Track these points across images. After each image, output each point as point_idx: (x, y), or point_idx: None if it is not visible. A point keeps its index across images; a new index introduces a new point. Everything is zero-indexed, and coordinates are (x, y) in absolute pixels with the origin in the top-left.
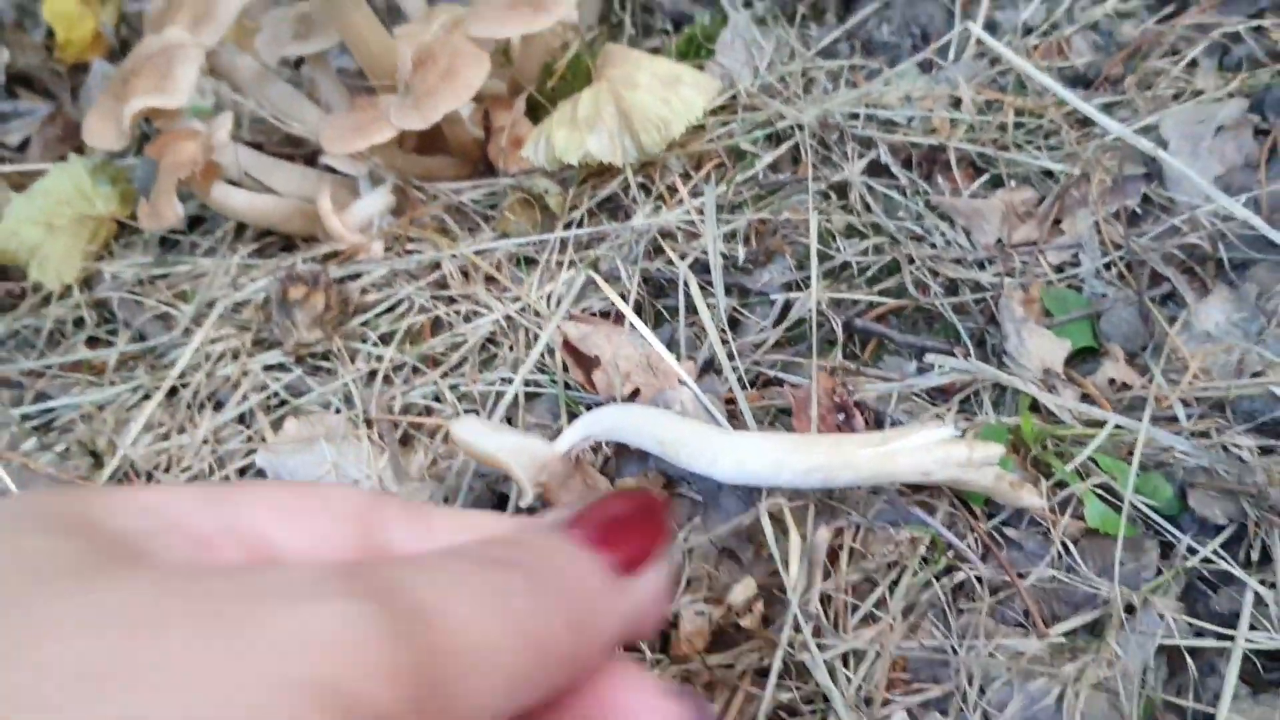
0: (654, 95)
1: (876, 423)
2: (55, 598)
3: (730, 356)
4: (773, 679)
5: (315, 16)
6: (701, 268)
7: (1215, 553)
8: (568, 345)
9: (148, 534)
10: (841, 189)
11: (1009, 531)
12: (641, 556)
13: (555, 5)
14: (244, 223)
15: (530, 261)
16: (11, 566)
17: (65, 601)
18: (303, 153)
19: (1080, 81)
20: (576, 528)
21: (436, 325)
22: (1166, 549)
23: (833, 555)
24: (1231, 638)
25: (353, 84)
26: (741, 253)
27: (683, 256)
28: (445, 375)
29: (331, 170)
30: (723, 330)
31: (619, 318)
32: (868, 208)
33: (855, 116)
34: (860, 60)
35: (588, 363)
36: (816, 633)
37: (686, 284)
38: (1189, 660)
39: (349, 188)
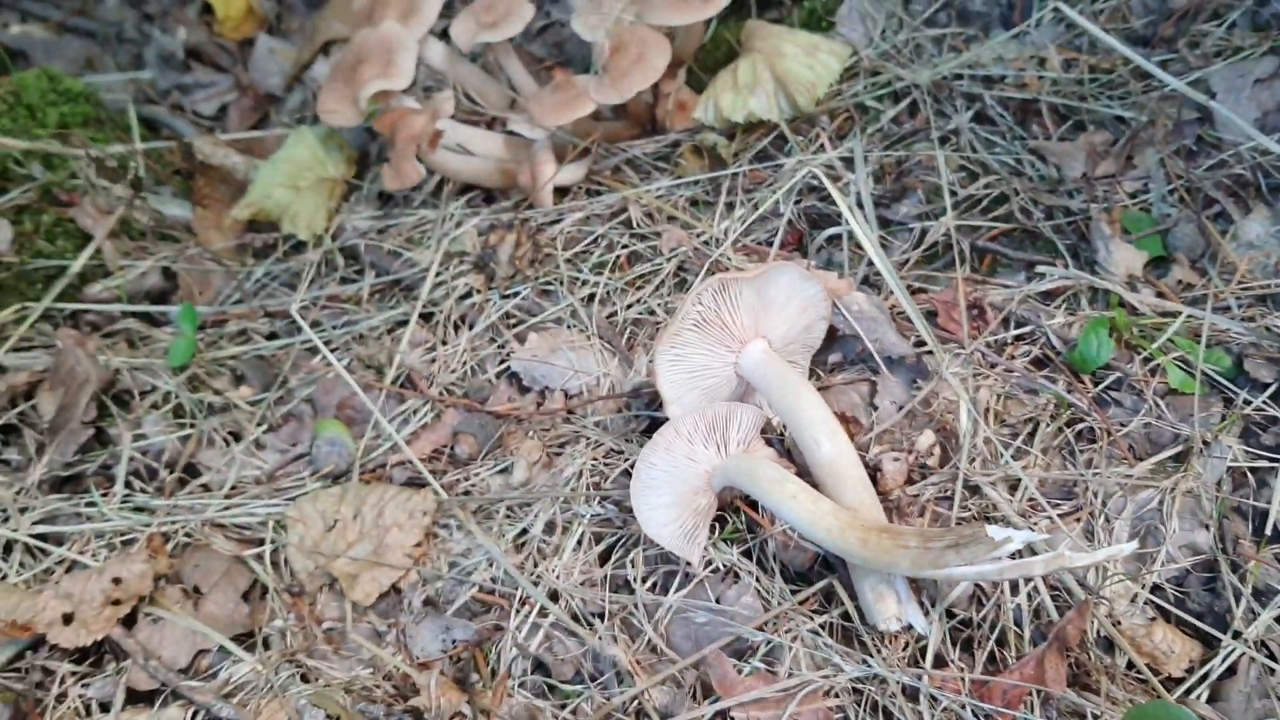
0: (800, 63)
1: (1003, 321)
2: None
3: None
4: (959, 492)
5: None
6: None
7: (1265, 402)
8: None
9: None
10: (953, 135)
11: (1112, 394)
12: None
13: None
14: (445, 179)
15: (706, 203)
16: None
17: None
18: (484, 120)
19: (1140, 41)
20: None
21: (634, 257)
22: (1228, 402)
23: (985, 413)
24: (1278, 461)
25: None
26: (880, 190)
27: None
28: (652, 295)
29: (514, 134)
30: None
31: (784, 246)
32: (975, 150)
33: (960, 76)
34: (958, 28)
35: None
36: (984, 464)
37: (850, 211)
38: (1249, 477)
39: (527, 150)
